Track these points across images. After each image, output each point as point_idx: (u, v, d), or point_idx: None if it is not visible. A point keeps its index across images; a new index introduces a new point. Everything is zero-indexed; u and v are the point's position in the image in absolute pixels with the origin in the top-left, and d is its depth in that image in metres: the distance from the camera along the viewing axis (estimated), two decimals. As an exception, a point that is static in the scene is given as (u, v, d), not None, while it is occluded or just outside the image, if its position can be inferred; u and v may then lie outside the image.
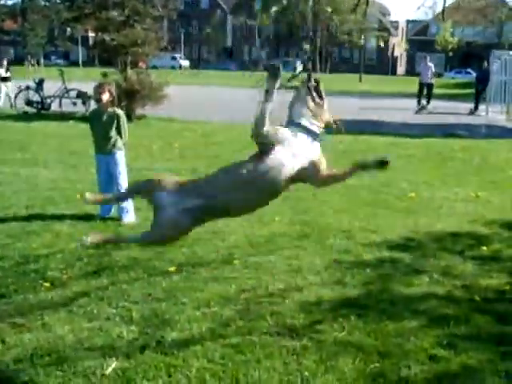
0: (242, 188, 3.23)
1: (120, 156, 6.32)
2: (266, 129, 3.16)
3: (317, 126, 3.37)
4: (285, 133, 3.25)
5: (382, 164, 3.28)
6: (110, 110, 6.22)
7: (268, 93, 3.17)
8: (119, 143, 6.29)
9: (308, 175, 3.31)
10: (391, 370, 3.36)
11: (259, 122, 3.16)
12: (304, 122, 3.34)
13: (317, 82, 3.42)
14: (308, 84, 3.40)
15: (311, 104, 3.37)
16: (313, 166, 3.28)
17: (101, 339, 3.68)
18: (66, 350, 3.53)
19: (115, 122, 6.21)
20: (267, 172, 3.19)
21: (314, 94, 3.39)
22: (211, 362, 3.42)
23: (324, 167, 3.33)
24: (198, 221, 3.35)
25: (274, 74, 3.17)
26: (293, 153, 3.22)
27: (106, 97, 6.17)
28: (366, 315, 4.05)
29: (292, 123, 3.35)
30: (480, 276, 4.89)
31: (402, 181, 8.74)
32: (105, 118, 6.20)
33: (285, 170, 3.20)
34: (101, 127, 6.22)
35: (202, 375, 3.29)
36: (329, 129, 3.46)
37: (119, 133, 6.25)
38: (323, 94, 3.43)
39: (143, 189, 3.46)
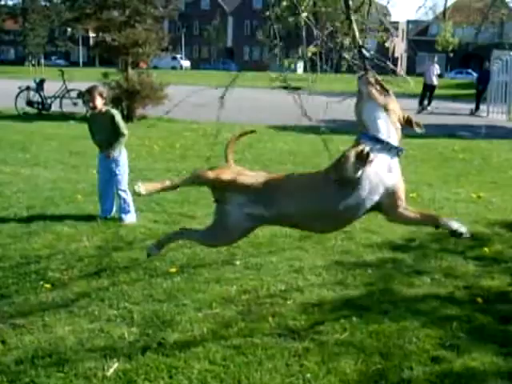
0: (318, 218, 3.05)
1: (122, 155, 6.30)
2: (352, 172, 2.84)
3: (395, 134, 3.05)
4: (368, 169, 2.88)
5: (458, 235, 2.92)
6: (103, 110, 6.23)
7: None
8: (120, 145, 6.25)
9: (384, 209, 3.03)
10: (393, 372, 3.35)
11: (349, 168, 2.82)
12: (381, 134, 2.99)
13: (374, 77, 3.11)
14: (367, 78, 3.09)
15: (381, 98, 3.03)
16: (390, 198, 2.98)
17: (102, 340, 3.67)
18: (67, 352, 3.52)
19: (113, 123, 6.20)
20: (350, 209, 2.94)
21: (378, 87, 3.06)
22: (213, 363, 3.41)
23: (402, 197, 3.01)
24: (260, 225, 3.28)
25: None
26: (374, 185, 2.92)
27: (99, 102, 6.18)
28: (367, 316, 4.04)
29: (367, 137, 2.99)
30: (482, 277, 4.88)
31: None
32: (101, 119, 6.20)
33: (366, 205, 2.95)
34: (99, 128, 6.22)
35: (203, 377, 3.28)
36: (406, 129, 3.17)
37: (119, 134, 6.22)
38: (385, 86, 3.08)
39: (204, 183, 3.24)
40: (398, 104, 3.10)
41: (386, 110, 3.03)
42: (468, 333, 3.84)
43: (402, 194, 3.01)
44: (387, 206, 2.99)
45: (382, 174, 2.94)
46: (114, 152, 6.18)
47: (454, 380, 3.31)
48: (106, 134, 6.18)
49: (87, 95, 6.21)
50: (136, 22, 16.23)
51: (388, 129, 3.03)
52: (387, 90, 3.08)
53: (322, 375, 3.31)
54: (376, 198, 2.95)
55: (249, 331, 3.79)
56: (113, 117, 6.21)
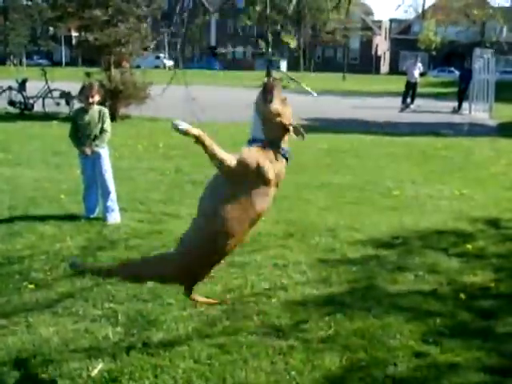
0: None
1: (105, 153, 6.28)
2: (233, 162, 3.01)
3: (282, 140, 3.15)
4: (257, 158, 3.05)
5: None
6: (95, 108, 6.20)
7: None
8: (104, 141, 6.24)
9: None
10: (377, 368, 3.37)
11: (220, 160, 3.03)
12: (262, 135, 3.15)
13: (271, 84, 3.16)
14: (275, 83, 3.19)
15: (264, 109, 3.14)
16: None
17: (86, 341, 3.65)
18: (51, 352, 3.49)
19: (101, 119, 6.18)
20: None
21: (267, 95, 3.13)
22: (198, 362, 3.40)
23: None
24: None
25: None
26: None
27: (97, 98, 6.18)
28: (351, 313, 4.05)
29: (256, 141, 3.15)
30: (465, 273, 4.92)
31: (386, 179, 8.78)
32: (90, 116, 6.16)
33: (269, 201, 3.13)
34: (87, 126, 6.17)
35: (188, 376, 3.27)
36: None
37: (103, 130, 6.21)
38: (273, 96, 3.12)
39: None
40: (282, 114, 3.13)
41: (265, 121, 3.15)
42: (451, 328, 3.87)
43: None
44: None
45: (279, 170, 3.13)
46: (98, 148, 6.16)
47: (438, 375, 3.34)
48: (92, 131, 6.15)
49: (88, 90, 6.16)
50: (119, 21, 16.14)
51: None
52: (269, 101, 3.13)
53: (307, 372, 3.32)
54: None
55: (233, 330, 3.79)
56: (105, 114, 6.23)
